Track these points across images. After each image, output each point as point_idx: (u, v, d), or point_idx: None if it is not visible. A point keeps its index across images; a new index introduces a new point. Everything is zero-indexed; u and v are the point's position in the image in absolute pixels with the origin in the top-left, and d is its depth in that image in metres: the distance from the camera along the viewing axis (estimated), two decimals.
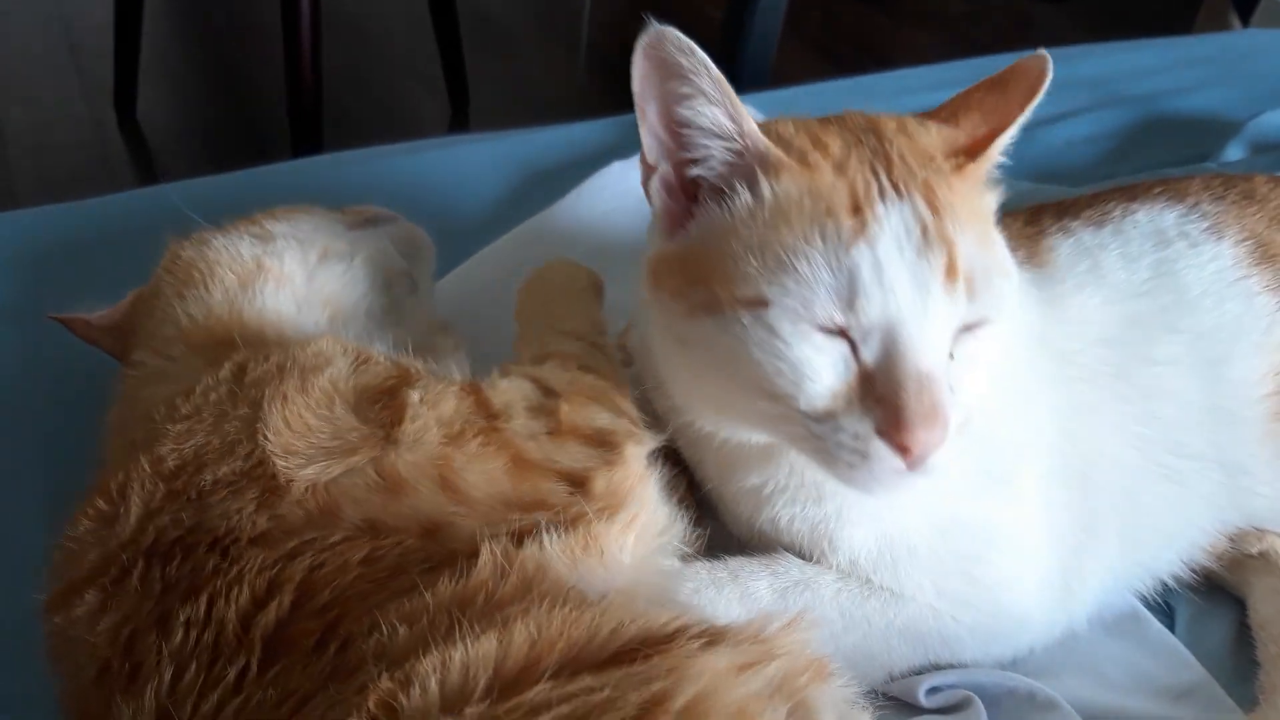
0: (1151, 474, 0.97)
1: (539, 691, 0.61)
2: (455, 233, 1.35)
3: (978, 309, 0.78)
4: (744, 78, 2.29)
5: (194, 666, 0.71)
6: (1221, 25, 2.97)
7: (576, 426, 0.86)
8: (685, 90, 0.80)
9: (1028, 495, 0.94)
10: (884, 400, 0.75)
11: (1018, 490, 0.93)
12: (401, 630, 0.67)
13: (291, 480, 0.78)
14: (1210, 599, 1.04)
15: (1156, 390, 0.97)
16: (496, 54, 3.28)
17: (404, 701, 0.61)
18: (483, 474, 0.81)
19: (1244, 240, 1.01)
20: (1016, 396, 0.93)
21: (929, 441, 0.74)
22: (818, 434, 0.78)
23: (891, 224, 0.76)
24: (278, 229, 1.05)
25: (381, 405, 0.84)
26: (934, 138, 0.84)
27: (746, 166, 0.81)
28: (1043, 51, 0.84)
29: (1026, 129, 1.69)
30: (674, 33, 0.78)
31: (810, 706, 0.67)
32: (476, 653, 0.63)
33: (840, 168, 0.80)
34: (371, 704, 0.62)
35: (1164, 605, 1.03)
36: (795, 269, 0.76)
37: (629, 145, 1.62)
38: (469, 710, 0.60)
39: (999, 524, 0.93)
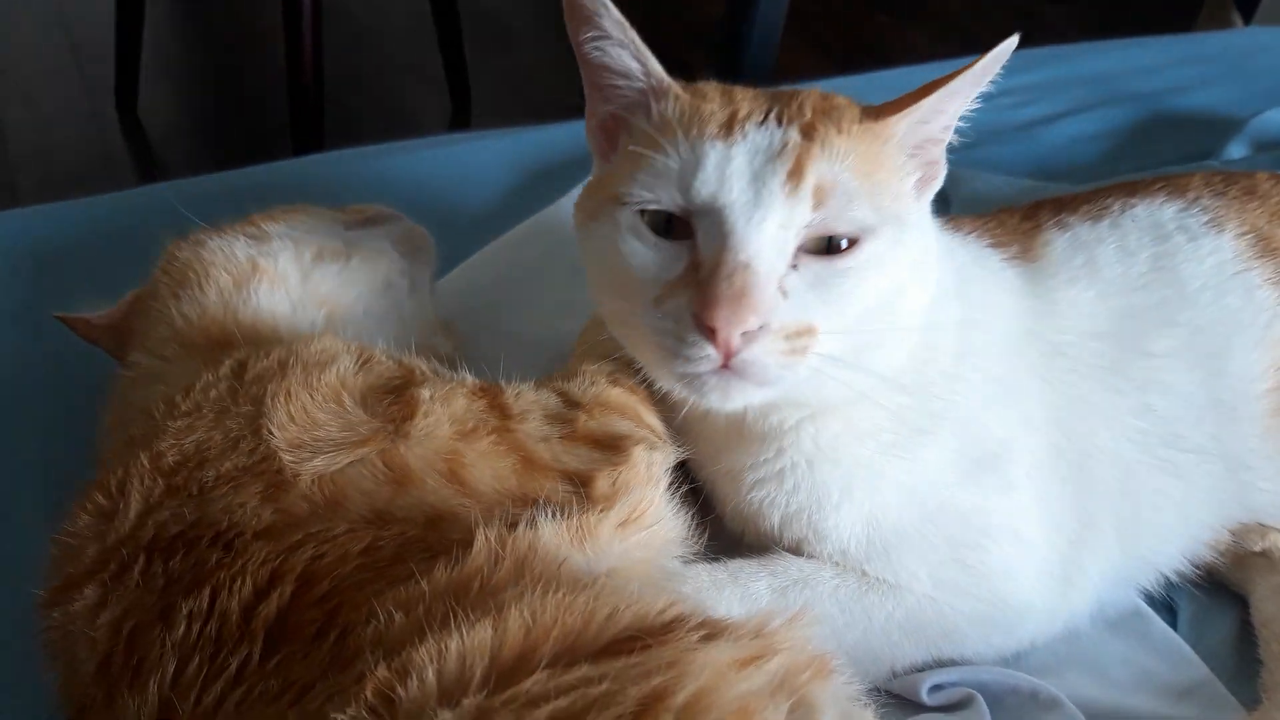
0: (1149, 467, 0.97)
1: (536, 681, 0.62)
2: (457, 230, 1.35)
3: (826, 219, 0.80)
4: (746, 76, 2.28)
5: (197, 659, 0.71)
6: (1223, 23, 2.97)
7: (591, 432, 0.88)
8: (593, 33, 0.86)
9: (1020, 485, 0.94)
10: (700, 282, 0.79)
11: (1008, 479, 0.93)
12: (398, 617, 0.68)
13: (298, 474, 0.79)
14: (1213, 596, 1.03)
15: (1153, 384, 0.97)
16: (498, 51, 3.27)
17: (402, 693, 0.62)
18: (491, 471, 0.83)
19: (1245, 233, 1.01)
20: (1001, 386, 0.94)
21: (733, 321, 0.76)
22: (652, 325, 0.82)
23: (755, 139, 0.82)
24: (274, 229, 1.05)
25: (390, 401, 0.85)
26: (854, 105, 0.88)
27: (644, 102, 0.88)
28: (1013, 37, 0.85)
29: (1028, 127, 1.70)
30: None
31: (812, 704, 0.67)
32: (472, 641, 0.64)
33: (731, 103, 0.85)
34: (369, 694, 0.62)
35: (1167, 602, 1.03)
36: (652, 165, 0.83)
37: None
38: (466, 701, 0.60)
39: (990, 512, 0.93)
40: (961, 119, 0.88)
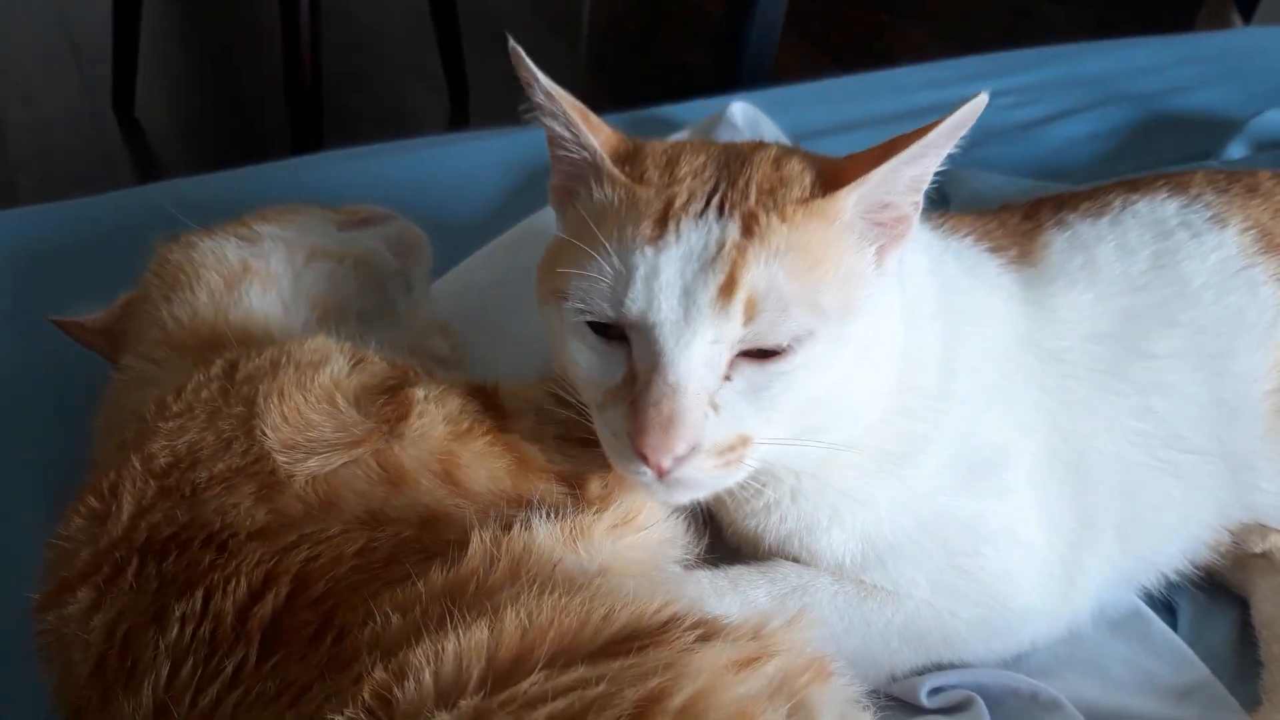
0: (1150, 468, 0.96)
1: (533, 683, 0.61)
2: (455, 230, 1.35)
3: (758, 334, 0.78)
4: (744, 75, 2.29)
5: (191, 661, 0.71)
6: (1223, 23, 2.96)
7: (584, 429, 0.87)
8: (530, 104, 0.85)
9: (1017, 489, 0.93)
10: (633, 403, 0.79)
11: (1004, 485, 0.93)
12: (395, 619, 0.68)
13: (292, 475, 0.79)
14: (1213, 597, 1.03)
15: (1154, 385, 0.96)
16: (497, 50, 3.26)
17: (399, 695, 0.62)
18: (486, 471, 0.83)
19: (1248, 229, 1.00)
20: (993, 393, 0.93)
21: (660, 450, 0.76)
22: (598, 426, 0.83)
23: (689, 240, 0.79)
24: (265, 230, 1.05)
25: (384, 401, 0.85)
26: (807, 173, 0.83)
27: (585, 175, 0.86)
28: (979, 98, 0.79)
29: (1027, 127, 1.70)
30: (515, 49, 0.83)
31: (811, 707, 0.66)
32: (469, 642, 0.64)
33: (670, 184, 0.82)
34: (366, 695, 0.62)
35: (1166, 602, 1.03)
36: (588, 266, 0.80)
37: None
38: (463, 703, 0.60)
39: (987, 518, 0.92)
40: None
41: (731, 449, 0.79)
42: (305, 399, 0.82)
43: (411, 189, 1.48)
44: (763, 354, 0.79)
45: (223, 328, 0.95)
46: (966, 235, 1.00)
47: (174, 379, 0.87)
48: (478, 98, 3.11)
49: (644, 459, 0.77)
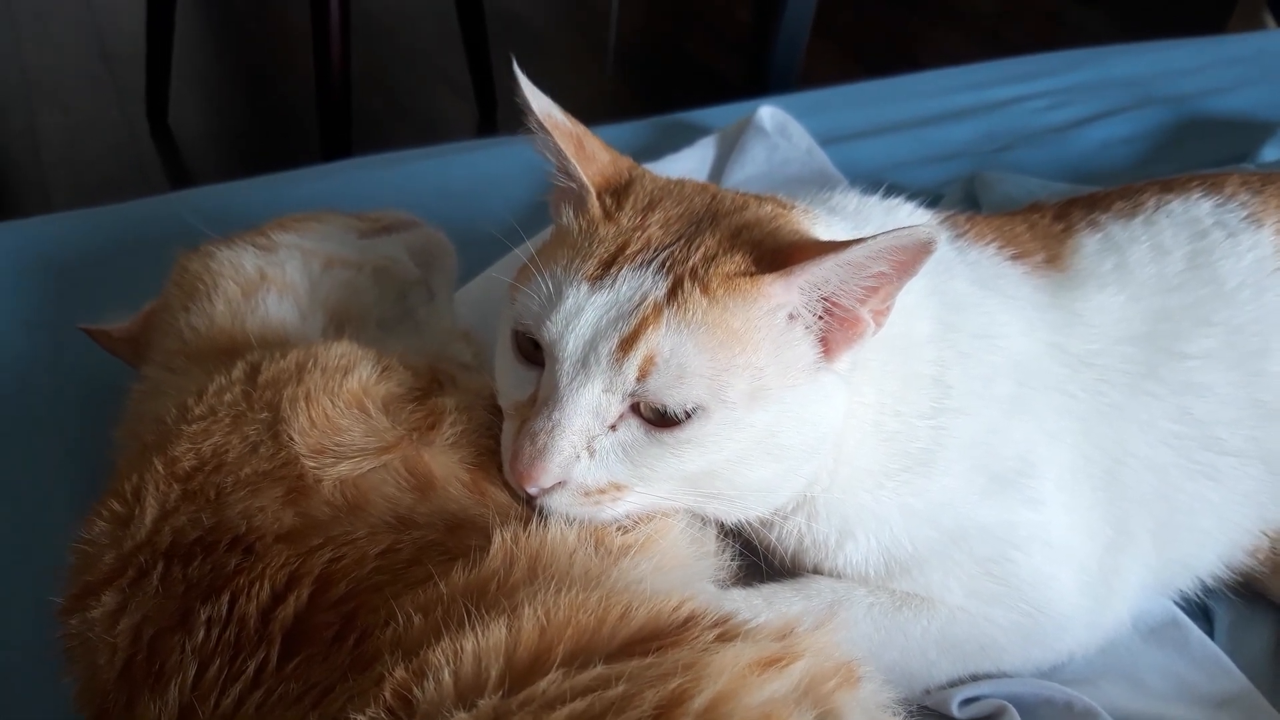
0: (1186, 472, 0.95)
1: (551, 681, 0.61)
2: (482, 237, 1.34)
3: (651, 391, 0.78)
4: (772, 79, 2.28)
5: (217, 663, 0.71)
6: (1255, 25, 2.94)
7: None
8: (528, 127, 0.88)
9: (1047, 497, 0.91)
10: (522, 424, 0.82)
11: (1033, 493, 0.91)
12: (417, 619, 0.68)
13: (320, 479, 0.79)
14: (1252, 605, 1.02)
15: (1189, 386, 0.95)
16: (524, 57, 3.28)
17: (419, 694, 0.62)
18: None
19: None
20: (1011, 405, 0.92)
21: (526, 479, 0.79)
22: (502, 432, 0.85)
23: (620, 287, 0.80)
24: (284, 239, 1.05)
25: (414, 409, 0.85)
26: (753, 249, 0.81)
27: (570, 197, 0.88)
28: (922, 230, 0.76)
29: (1060, 130, 1.69)
30: (520, 77, 0.87)
31: (839, 714, 0.65)
32: (487, 642, 0.64)
33: (634, 229, 0.83)
34: (388, 695, 0.62)
35: (1204, 610, 1.01)
36: (531, 282, 0.83)
37: (656, 147, 1.61)
38: (483, 703, 0.60)
39: (1017, 525, 0.90)
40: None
41: (602, 492, 0.80)
42: (333, 404, 0.83)
43: (439, 195, 1.48)
44: (658, 418, 0.79)
45: (240, 336, 0.95)
46: (989, 243, 0.99)
47: (193, 386, 0.87)
48: (506, 105, 3.12)
49: (518, 479, 0.80)
